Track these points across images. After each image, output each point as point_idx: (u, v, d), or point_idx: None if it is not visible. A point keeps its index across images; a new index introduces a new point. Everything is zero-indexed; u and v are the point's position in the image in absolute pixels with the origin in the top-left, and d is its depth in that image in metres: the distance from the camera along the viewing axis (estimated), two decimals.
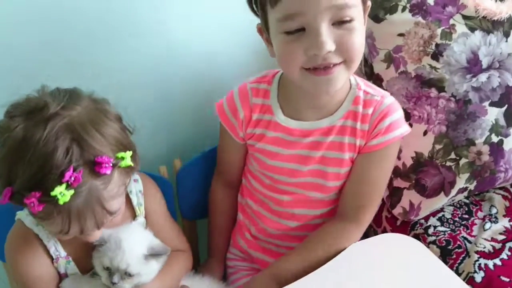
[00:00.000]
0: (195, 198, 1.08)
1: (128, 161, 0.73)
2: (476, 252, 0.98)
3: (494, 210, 1.08)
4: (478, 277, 0.94)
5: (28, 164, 0.68)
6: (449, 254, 0.99)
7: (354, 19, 0.77)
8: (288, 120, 0.91)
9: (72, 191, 0.67)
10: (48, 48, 0.96)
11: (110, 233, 0.82)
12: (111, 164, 0.70)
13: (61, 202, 0.66)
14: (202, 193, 1.08)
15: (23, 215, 0.83)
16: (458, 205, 1.11)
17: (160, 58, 1.07)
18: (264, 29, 0.85)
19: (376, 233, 1.14)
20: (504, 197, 1.12)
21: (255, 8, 0.85)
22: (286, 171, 0.94)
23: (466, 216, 1.08)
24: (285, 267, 0.90)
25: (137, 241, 0.84)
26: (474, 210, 1.10)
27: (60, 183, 0.66)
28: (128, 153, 0.74)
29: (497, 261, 0.96)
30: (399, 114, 0.90)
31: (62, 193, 0.67)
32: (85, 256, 0.84)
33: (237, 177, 1.05)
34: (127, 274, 0.81)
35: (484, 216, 1.07)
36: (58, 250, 0.83)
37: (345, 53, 0.77)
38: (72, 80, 0.79)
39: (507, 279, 0.93)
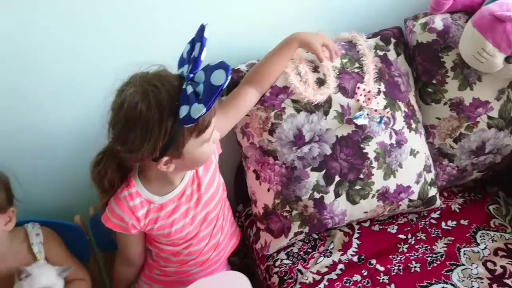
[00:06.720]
0: (108, 236, 1.45)
1: None
2: (300, 282, 1.29)
3: (331, 246, 1.37)
4: None
5: None
6: (283, 283, 1.31)
7: None
8: None
9: None
10: None
11: (30, 268, 1.19)
12: None
13: None
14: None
15: None
16: (307, 240, 1.41)
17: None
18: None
19: (253, 257, 1.47)
20: (346, 234, 1.41)
21: None
22: None
23: (310, 250, 1.38)
24: None
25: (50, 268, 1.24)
26: (319, 244, 1.39)
27: None
28: None
29: None
30: None
31: None
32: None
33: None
34: None
35: (323, 251, 1.37)
36: None
37: None
38: None
39: None
